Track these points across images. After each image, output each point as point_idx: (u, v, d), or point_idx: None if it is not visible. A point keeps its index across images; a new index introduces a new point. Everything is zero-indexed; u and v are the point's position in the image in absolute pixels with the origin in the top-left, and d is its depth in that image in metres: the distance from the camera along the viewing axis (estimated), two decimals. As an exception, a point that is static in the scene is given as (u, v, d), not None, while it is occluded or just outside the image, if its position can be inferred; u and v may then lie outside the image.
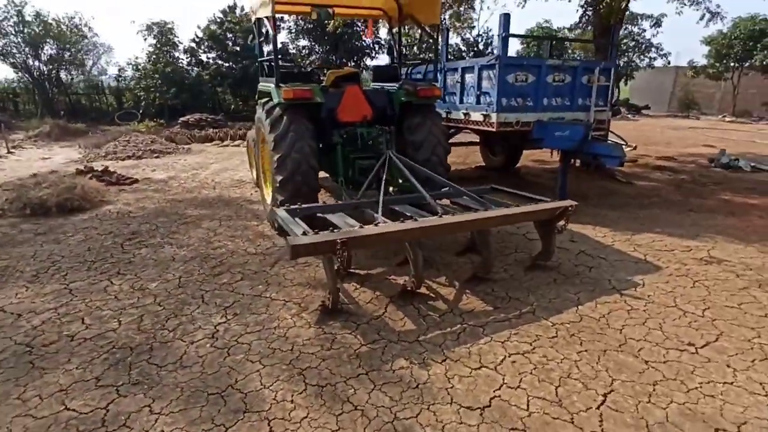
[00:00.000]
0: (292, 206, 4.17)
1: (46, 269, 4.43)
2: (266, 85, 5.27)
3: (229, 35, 20.00)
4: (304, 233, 3.34)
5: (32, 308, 3.66)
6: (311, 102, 4.86)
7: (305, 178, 4.79)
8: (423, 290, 3.91)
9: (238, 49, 19.78)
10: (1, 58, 20.12)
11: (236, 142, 14.12)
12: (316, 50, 21.76)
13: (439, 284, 4.12)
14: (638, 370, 2.86)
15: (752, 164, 9.54)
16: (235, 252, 4.85)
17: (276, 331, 3.32)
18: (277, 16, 4.98)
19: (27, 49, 20.01)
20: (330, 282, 3.38)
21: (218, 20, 20.20)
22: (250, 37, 5.85)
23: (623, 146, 6.10)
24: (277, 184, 4.77)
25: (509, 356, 3.01)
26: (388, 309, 3.65)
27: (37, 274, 4.30)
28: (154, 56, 20.30)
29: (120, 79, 22.45)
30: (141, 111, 20.02)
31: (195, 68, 21.11)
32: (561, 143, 6.27)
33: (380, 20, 7.82)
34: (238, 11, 20.53)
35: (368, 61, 22.11)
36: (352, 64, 20.67)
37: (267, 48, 5.81)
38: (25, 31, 19.68)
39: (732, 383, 2.73)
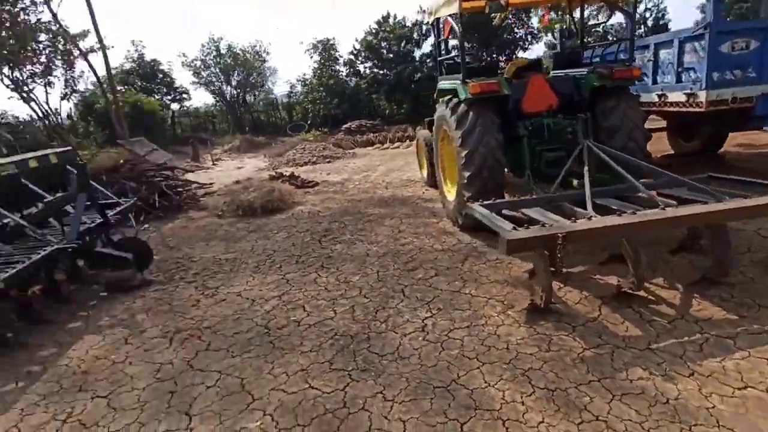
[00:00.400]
0: (486, 201, 4.07)
1: (264, 261, 5.06)
2: (449, 82, 5.27)
3: (383, 44, 20.92)
4: (514, 228, 3.19)
5: (261, 295, 4.19)
6: (498, 95, 4.70)
7: (492, 173, 4.66)
8: (641, 292, 3.45)
9: (392, 56, 20.58)
10: (205, 86, 24.17)
11: (395, 145, 14.68)
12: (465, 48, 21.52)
13: (657, 286, 3.61)
14: None
15: None
16: (423, 248, 4.93)
17: (485, 328, 3.24)
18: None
19: (222, 77, 23.69)
20: (543, 280, 3.17)
21: (374, 31, 21.29)
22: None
23: None
24: (465, 181, 4.71)
25: (783, 378, 2.45)
26: (602, 311, 3.30)
27: (258, 266, 4.93)
28: (318, 71, 22.28)
29: (291, 95, 25.16)
30: (309, 122, 22.14)
31: (353, 78, 22.58)
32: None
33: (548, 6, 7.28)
34: (391, 20, 21.36)
35: (520, 54, 21.11)
36: (504, 58, 19.93)
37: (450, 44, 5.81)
38: (221, 62, 23.31)
39: None
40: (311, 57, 23.24)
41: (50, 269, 4.38)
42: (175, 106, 24.74)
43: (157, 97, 22.52)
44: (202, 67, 23.67)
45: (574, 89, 5.06)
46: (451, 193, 5.59)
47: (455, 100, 4.98)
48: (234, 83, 24.12)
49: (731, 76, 5.24)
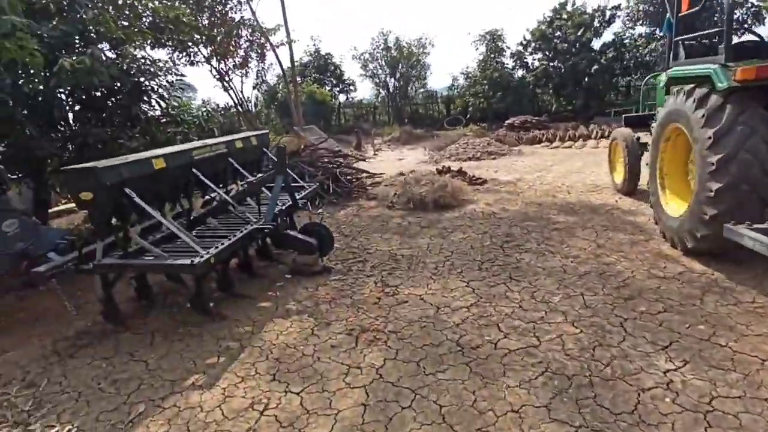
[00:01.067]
0: (760, 225, 3.02)
1: (443, 263, 4.65)
2: (692, 68, 4.16)
3: (558, 33, 19.12)
4: None
5: (446, 302, 3.76)
6: (776, 84, 3.50)
7: (755, 186, 3.51)
8: None
9: (566, 45, 18.68)
10: (370, 78, 25.19)
11: (566, 144, 13.26)
12: (656, 36, 18.54)
13: None
14: None
15: None
16: (637, 272, 4.00)
17: (774, 406, 2.31)
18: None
19: (387, 69, 24.35)
20: None
21: (548, 19, 19.59)
22: (668, 15, 4.78)
23: None
24: (710, 193, 3.65)
25: None
26: None
27: (437, 267, 4.54)
28: (483, 64, 21.42)
29: (452, 87, 24.78)
30: (468, 116, 21.51)
31: (520, 71, 21.24)
32: None
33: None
34: (569, 6, 19.40)
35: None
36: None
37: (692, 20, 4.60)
38: (387, 54, 23.96)
39: None
40: (476, 48, 22.49)
41: (245, 246, 4.58)
42: (342, 97, 26.27)
43: (327, 88, 24.10)
44: (370, 59, 24.63)
45: None
46: (674, 206, 4.48)
47: (703, 90, 3.89)
48: (398, 75, 24.61)
49: None
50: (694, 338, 2.96)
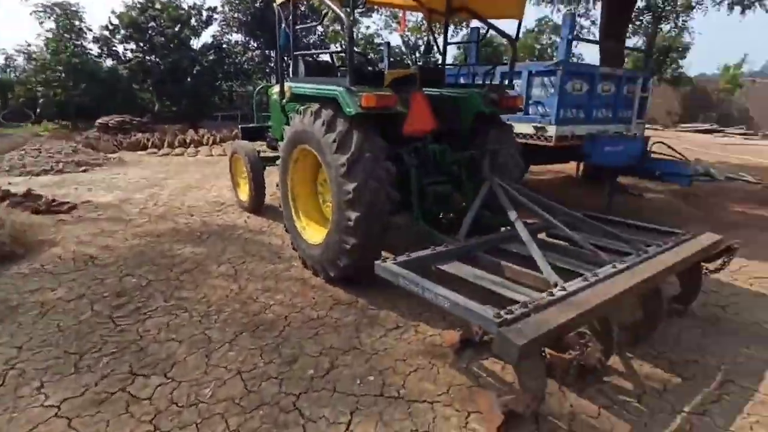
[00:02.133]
0: (401, 258, 2.96)
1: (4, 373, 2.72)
2: (317, 87, 3.90)
3: (153, 24, 17.18)
4: (503, 316, 2.17)
5: (9, 470, 2.06)
6: (389, 112, 3.63)
7: (384, 213, 3.57)
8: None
9: (163, 40, 17.03)
10: None
11: (176, 150, 11.96)
12: (251, 46, 19.66)
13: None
14: None
15: (727, 174, 9.85)
16: (291, 318, 3.46)
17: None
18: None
19: None
20: (536, 384, 2.24)
21: (139, 5, 17.24)
22: (283, 26, 4.36)
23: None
24: (350, 222, 3.48)
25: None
26: (569, 398, 2.59)
27: (-8, 390, 2.59)
28: (54, 44, 16.80)
29: (8, 69, 18.48)
30: (38, 110, 16.55)
31: (109, 60, 17.95)
32: (613, 159, 5.65)
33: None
34: (162, -3, 17.74)
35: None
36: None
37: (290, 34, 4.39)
38: None
39: None
40: (41, 23, 17.51)
41: None
42: None
43: None
44: None
45: (455, 112, 4.40)
46: (312, 233, 4.23)
47: (329, 112, 3.68)
48: None
49: (571, 114, 5.50)
50: (370, 397, 2.60)
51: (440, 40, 5.29)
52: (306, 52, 4.46)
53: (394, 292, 3.80)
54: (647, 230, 4.11)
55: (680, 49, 20.92)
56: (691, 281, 3.57)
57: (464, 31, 11.64)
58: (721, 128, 21.09)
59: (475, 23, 7.61)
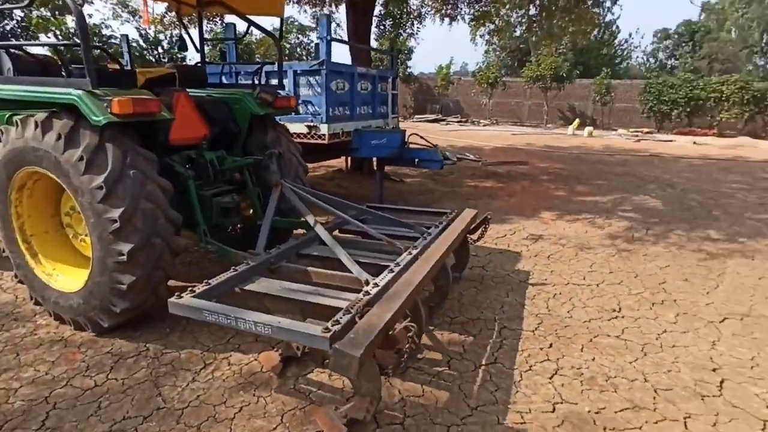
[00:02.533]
0: (200, 288, 2.56)
1: None
2: (45, 90, 2.95)
3: None
4: (334, 325, 2.07)
5: None
6: (152, 120, 3.04)
7: (165, 239, 3.03)
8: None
9: None
10: None
11: None
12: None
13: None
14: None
15: (457, 156, 12.03)
16: (56, 397, 2.61)
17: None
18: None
19: None
20: (372, 387, 2.22)
21: None
22: None
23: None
24: (123, 257, 2.82)
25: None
26: (396, 386, 2.72)
27: None
28: None
29: None
30: None
31: None
32: (378, 151, 6.19)
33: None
34: None
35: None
36: None
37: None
38: None
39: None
40: None
41: None
42: None
43: None
44: None
45: (229, 115, 4.04)
46: (64, 279, 3.28)
47: (66, 122, 2.87)
48: None
49: (339, 112, 5.73)
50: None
51: (194, 36, 4.77)
52: (12, 43, 3.37)
53: (191, 324, 3.30)
54: (420, 213, 4.64)
55: (407, 51, 24.53)
56: (462, 251, 4.19)
57: (213, 25, 10.89)
58: (444, 117, 25.79)
59: (230, 18, 7.19)
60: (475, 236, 4.19)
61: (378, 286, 2.62)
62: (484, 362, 2.98)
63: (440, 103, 27.64)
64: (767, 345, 3.19)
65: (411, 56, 25.97)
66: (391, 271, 2.85)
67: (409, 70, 26.66)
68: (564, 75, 21.79)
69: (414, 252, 3.18)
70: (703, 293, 4.01)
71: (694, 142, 17.03)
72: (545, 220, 6.37)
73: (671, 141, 17.60)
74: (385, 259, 3.28)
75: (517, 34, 28.00)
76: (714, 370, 2.90)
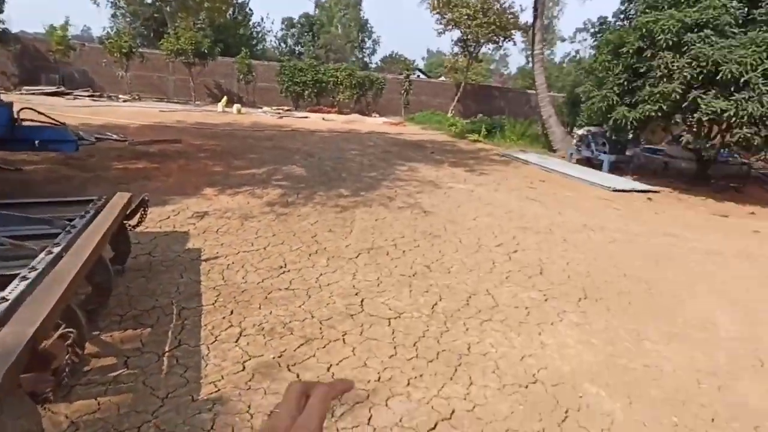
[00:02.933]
0: None
1: None
2: None
3: None
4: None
5: None
6: None
7: None
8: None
9: None
10: None
11: None
12: None
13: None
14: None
15: (96, 136, 10.23)
16: None
17: None
18: None
19: None
20: (26, 426, 1.75)
21: None
22: None
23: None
24: None
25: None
26: (62, 412, 2.29)
27: None
28: None
29: None
30: None
31: None
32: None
33: None
34: None
35: None
36: None
37: None
38: None
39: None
40: None
41: None
42: None
43: None
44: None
45: None
46: None
47: None
48: None
49: None
50: None
51: None
52: None
53: None
54: (59, 204, 3.83)
55: (-7, 0, 18.51)
56: (121, 241, 3.73)
57: None
58: (70, 91, 21.21)
59: None
60: (134, 222, 3.80)
61: (7, 300, 2.05)
62: (167, 349, 2.84)
63: (61, 73, 22.51)
64: (386, 267, 4.33)
65: (1, 7, 19.79)
66: (24, 278, 2.28)
67: (2, 26, 20.33)
68: (206, 51, 21.54)
69: (55, 250, 2.63)
70: (343, 238, 5.02)
71: (323, 118, 20.32)
72: (208, 196, 6.36)
73: (306, 117, 20.40)
74: (14, 266, 2.57)
75: (149, 1, 25.57)
76: (356, 294, 3.74)
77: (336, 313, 3.39)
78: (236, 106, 19.92)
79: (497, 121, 16.98)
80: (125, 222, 3.72)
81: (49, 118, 5.21)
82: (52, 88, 21.00)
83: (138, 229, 4.04)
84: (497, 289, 4.06)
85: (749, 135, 8.18)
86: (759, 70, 7.74)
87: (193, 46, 21.12)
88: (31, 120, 4.93)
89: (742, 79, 7.89)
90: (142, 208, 3.80)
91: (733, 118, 8.15)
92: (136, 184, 6.72)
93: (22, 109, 4.92)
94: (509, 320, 3.52)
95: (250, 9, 34.70)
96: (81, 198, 3.87)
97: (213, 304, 3.42)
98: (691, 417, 2.58)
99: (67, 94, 20.74)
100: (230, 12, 29.66)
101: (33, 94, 19.34)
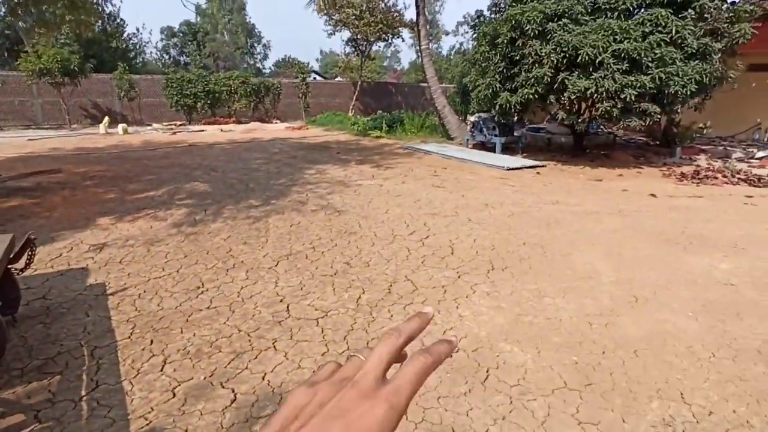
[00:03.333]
0: None
1: None
2: None
3: None
4: None
5: None
6: None
7: None
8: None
9: None
10: None
11: None
12: None
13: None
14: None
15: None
16: None
17: None
18: None
19: None
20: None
21: None
22: None
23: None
24: None
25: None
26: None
27: None
28: None
29: None
30: None
31: None
32: None
33: None
34: None
35: None
36: None
37: None
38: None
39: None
40: None
41: None
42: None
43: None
44: None
45: None
46: None
47: None
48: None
49: None
50: None
51: None
52: None
53: None
54: None
55: None
56: (8, 287, 3.37)
57: None
58: None
59: None
60: (20, 264, 3.45)
61: None
62: (84, 393, 2.66)
63: None
64: (307, 270, 4.38)
65: None
66: None
67: None
68: (76, 69, 19.53)
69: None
70: (259, 249, 4.96)
71: (221, 130, 19.49)
72: (104, 225, 5.89)
73: (203, 131, 19.42)
74: None
75: (-4, 16, 22.51)
76: (281, 300, 3.75)
77: (263, 323, 3.39)
78: (121, 125, 18.39)
79: (396, 116, 17.54)
80: (10, 267, 3.37)
81: None
82: None
83: (26, 273, 3.68)
84: (415, 274, 4.31)
85: (609, 108, 9.37)
86: (608, 52, 8.90)
87: (59, 64, 19.06)
88: None
89: (597, 60, 9.03)
90: (28, 249, 3.47)
91: (595, 95, 9.30)
92: (12, 224, 6.02)
93: None
94: (429, 300, 3.78)
95: (121, 20, 32.08)
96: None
97: (129, 337, 3.25)
98: (586, 354, 3.00)
99: None
100: (98, 24, 27.11)
101: None
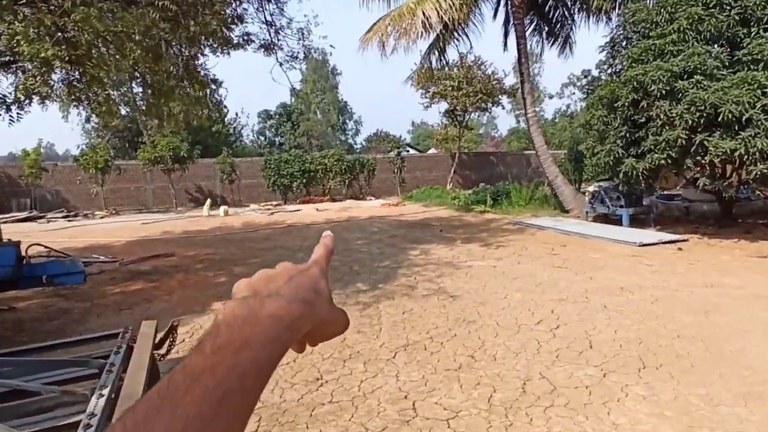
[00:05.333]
0: None
1: None
2: None
3: None
4: None
5: None
6: None
7: None
8: None
9: None
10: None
11: None
12: None
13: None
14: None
15: (83, 260, 10.59)
16: None
17: None
18: None
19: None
20: None
21: None
22: None
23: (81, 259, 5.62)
24: None
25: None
26: None
27: None
28: None
29: None
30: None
31: None
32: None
33: None
34: None
35: None
36: None
37: None
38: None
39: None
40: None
41: None
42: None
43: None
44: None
45: None
46: None
47: None
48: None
49: None
50: None
51: None
52: None
53: None
54: (80, 343, 4.05)
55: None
56: (153, 373, 3.90)
57: None
58: (42, 214, 21.99)
59: None
60: (162, 350, 4.00)
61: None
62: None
63: (33, 196, 23.49)
64: (428, 363, 4.49)
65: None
66: (89, 426, 2.46)
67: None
68: (185, 155, 22.77)
69: (105, 392, 2.82)
70: (374, 338, 5.19)
71: (317, 209, 21.07)
72: (219, 310, 6.56)
73: (298, 210, 21.14)
74: (62, 416, 2.75)
75: (123, 113, 27.36)
76: (405, 397, 3.87)
77: (390, 422, 3.50)
78: (222, 207, 20.67)
79: (501, 187, 17.74)
80: (154, 352, 3.91)
81: (57, 251, 5.57)
82: (24, 214, 21.79)
83: (167, 358, 4.22)
84: (550, 370, 4.21)
85: (765, 170, 8.72)
86: (758, 107, 8.46)
87: (171, 152, 22.34)
88: (39, 255, 5.28)
89: (744, 117, 8.60)
90: (171, 335, 4.02)
91: (745, 156, 8.75)
92: (138, 308, 6.95)
93: (30, 245, 5.28)
94: (572, 403, 3.65)
95: (225, 106, 37.13)
96: (103, 333, 4.08)
97: (255, 431, 3.53)
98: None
99: (40, 217, 21.50)
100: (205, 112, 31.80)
101: (5, 222, 20.02)
